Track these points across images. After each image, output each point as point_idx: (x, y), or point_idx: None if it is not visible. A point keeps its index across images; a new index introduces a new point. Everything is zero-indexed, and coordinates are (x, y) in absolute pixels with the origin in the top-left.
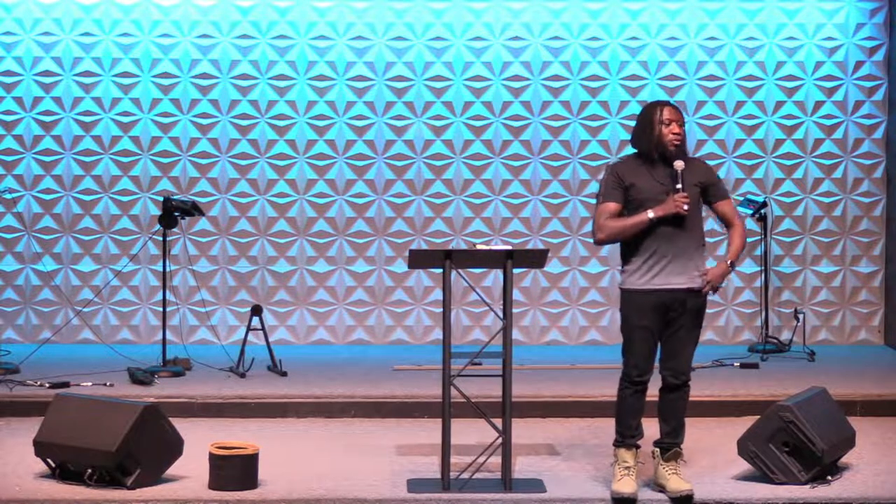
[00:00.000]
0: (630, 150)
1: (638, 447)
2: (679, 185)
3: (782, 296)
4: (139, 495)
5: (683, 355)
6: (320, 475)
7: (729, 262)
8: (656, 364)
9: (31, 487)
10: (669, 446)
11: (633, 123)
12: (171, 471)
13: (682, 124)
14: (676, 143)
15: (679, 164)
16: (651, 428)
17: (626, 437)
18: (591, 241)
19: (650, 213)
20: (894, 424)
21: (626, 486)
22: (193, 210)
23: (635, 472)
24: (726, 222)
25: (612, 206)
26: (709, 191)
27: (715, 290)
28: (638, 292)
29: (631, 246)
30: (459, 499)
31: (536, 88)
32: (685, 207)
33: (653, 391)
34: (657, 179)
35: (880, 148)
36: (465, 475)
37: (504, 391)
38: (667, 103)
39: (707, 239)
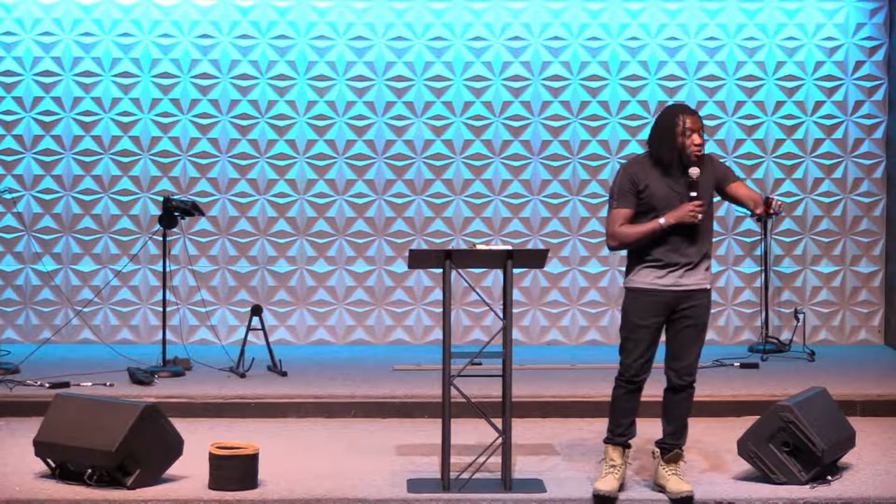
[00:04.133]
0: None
1: (628, 446)
2: (694, 193)
3: (782, 296)
4: (139, 495)
5: (689, 356)
6: (320, 475)
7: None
8: (659, 364)
9: (31, 487)
10: (671, 447)
11: (633, 124)
12: (171, 471)
13: (703, 132)
14: (698, 154)
15: (694, 172)
16: (654, 428)
17: (616, 434)
18: (592, 241)
19: (662, 221)
20: (894, 424)
21: (606, 483)
22: (193, 210)
23: (621, 471)
24: (743, 202)
25: (626, 211)
26: (722, 184)
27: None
28: (644, 291)
29: (639, 251)
30: (459, 499)
31: (536, 88)
32: (699, 217)
33: (658, 392)
34: (670, 185)
35: (880, 148)
36: (465, 475)
37: (504, 391)
38: (689, 111)
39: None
